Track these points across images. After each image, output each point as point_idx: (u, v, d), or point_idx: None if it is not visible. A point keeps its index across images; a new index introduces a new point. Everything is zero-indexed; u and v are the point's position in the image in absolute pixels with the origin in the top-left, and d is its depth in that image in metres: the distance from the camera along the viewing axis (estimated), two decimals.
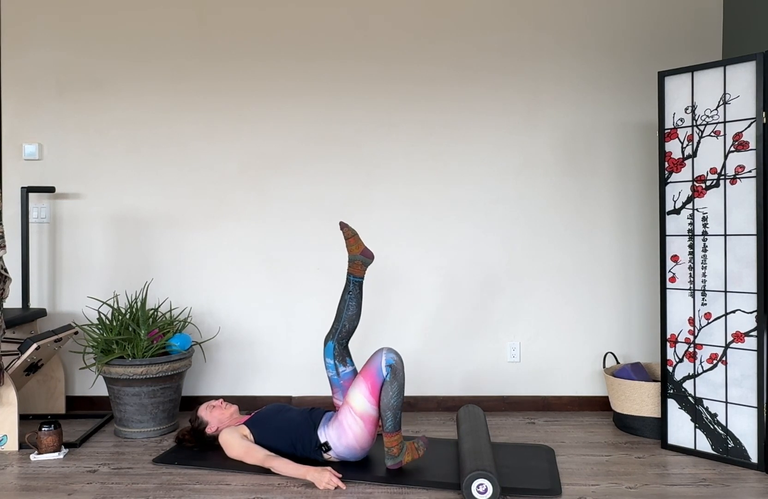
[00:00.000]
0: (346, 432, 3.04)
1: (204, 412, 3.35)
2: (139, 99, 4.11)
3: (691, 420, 3.30)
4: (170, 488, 2.94)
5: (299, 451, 3.13)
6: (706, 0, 4.03)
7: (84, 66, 4.12)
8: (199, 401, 4.13)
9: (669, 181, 3.35)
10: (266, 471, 3.07)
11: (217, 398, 3.98)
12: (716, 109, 3.19)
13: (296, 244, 4.11)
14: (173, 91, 4.11)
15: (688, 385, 3.31)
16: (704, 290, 3.25)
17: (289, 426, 3.16)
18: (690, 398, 3.30)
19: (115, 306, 4.02)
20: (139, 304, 3.81)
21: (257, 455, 3.09)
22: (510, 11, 4.05)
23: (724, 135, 3.16)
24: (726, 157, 3.16)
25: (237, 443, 3.16)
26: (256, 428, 3.21)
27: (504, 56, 4.06)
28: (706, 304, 3.25)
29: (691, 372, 3.30)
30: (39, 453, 3.31)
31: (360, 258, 3.19)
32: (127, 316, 3.70)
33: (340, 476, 2.94)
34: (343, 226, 3.22)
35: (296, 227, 4.10)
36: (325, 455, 3.11)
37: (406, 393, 4.10)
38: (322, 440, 3.09)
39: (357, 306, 3.19)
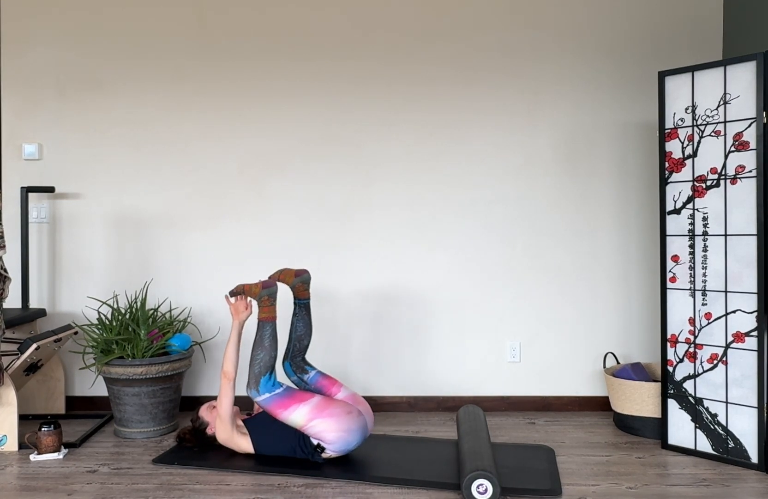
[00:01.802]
0: (322, 435, 3.07)
1: (205, 412, 3.36)
2: (139, 99, 4.11)
3: (692, 420, 3.30)
4: (170, 488, 2.93)
5: (299, 454, 3.14)
6: (706, 0, 4.03)
7: (84, 66, 4.11)
8: (199, 401, 4.13)
9: (669, 181, 3.35)
10: (266, 471, 3.07)
11: (212, 400, 3.98)
12: (716, 109, 3.18)
13: (296, 244, 4.10)
14: (173, 91, 4.11)
15: (688, 385, 3.31)
16: (704, 290, 3.25)
17: (289, 432, 3.16)
18: (690, 398, 3.30)
19: (115, 306, 4.02)
20: (138, 304, 3.80)
21: (229, 430, 3.22)
22: (510, 11, 4.05)
23: (725, 135, 3.16)
24: (726, 157, 3.16)
25: (226, 433, 3.23)
26: (256, 434, 3.22)
27: (504, 56, 4.06)
28: (706, 304, 3.24)
29: (692, 372, 3.30)
30: (39, 453, 3.31)
31: (264, 293, 3.14)
32: (127, 316, 3.70)
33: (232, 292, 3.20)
34: (231, 296, 3.21)
35: (296, 227, 4.10)
36: (324, 455, 3.11)
37: (407, 393, 4.10)
38: (315, 442, 3.10)
39: (305, 326, 3.37)
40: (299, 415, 3.05)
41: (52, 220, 4.14)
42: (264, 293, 3.14)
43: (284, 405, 3.06)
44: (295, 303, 3.39)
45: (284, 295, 4.11)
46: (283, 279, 3.36)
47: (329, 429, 3.05)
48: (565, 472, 3.09)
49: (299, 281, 3.36)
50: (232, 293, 3.19)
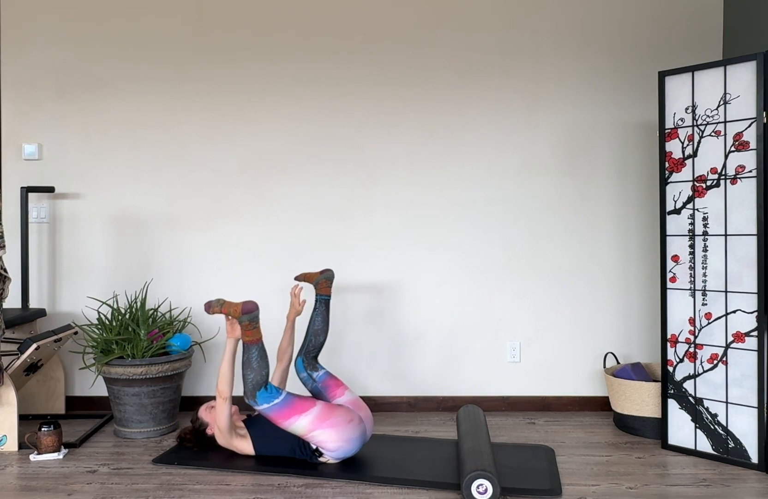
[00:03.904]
0: (323, 444, 3.07)
1: (204, 413, 3.36)
2: (139, 99, 4.11)
3: (692, 420, 3.30)
4: (170, 488, 2.93)
5: (298, 454, 3.15)
6: (705, 0, 4.03)
7: (84, 66, 4.11)
8: (199, 401, 4.13)
9: (669, 181, 3.35)
10: (266, 471, 3.07)
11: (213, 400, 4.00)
12: (717, 109, 3.18)
13: (296, 245, 4.10)
14: (173, 91, 4.11)
15: (688, 385, 3.31)
16: (705, 290, 3.25)
17: (288, 432, 3.16)
18: (690, 398, 3.30)
19: (115, 306, 4.02)
20: (138, 304, 3.80)
21: (228, 438, 3.21)
22: (510, 12, 4.05)
23: (725, 135, 3.16)
24: (726, 157, 3.16)
25: (225, 440, 3.23)
26: (256, 435, 3.22)
27: (504, 57, 4.06)
28: (706, 304, 3.24)
29: (692, 372, 3.30)
30: (39, 453, 3.31)
31: (245, 319, 3.06)
32: (127, 316, 3.70)
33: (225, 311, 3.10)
34: (208, 307, 3.12)
35: (296, 227, 4.10)
36: (321, 459, 3.11)
37: (407, 393, 4.10)
38: (313, 446, 3.10)
39: (323, 321, 3.42)
40: (300, 425, 3.04)
41: (52, 220, 4.14)
42: (244, 318, 3.05)
43: (285, 415, 3.04)
44: (316, 299, 3.47)
45: (307, 291, 4.12)
46: (306, 278, 3.54)
47: (330, 439, 3.05)
48: (565, 472, 3.09)
49: (323, 277, 3.49)
50: (210, 308, 3.10)
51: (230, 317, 3.13)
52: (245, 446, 3.21)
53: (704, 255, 3.24)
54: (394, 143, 4.08)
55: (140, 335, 3.63)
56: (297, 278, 3.63)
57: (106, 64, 4.11)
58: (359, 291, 4.09)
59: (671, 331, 3.37)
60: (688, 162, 3.29)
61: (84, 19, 4.11)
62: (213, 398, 4.12)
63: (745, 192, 3.10)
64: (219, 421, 3.17)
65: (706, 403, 3.25)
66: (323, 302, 3.46)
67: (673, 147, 3.33)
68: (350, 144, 4.08)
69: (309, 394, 3.58)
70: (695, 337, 3.28)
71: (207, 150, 4.11)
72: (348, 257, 4.09)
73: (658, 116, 3.41)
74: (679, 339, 3.34)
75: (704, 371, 3.25)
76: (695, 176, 3.26)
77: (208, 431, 3.32)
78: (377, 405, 4.10)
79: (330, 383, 3.31)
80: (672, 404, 3.36)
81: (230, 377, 3.15)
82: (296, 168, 4.10)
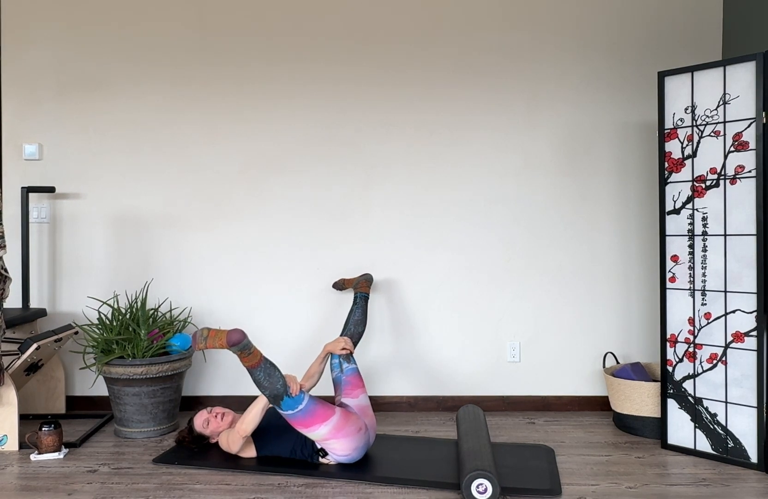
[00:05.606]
0: (334, 451, 3.08)
1: (202, 428, 3.32)
2: (140, 99, 4.12)
3: (691, 420, 3.30)
4: (170, 488, 2.94)
5: (298, 455, 3.15)
6: (705, 0, 4.03)
7: (84, 66, 4.12)
8: (199, 401, 4.13)
9: (669, 181, 3.36)
10: (266, 471, 3.07)
11: (213, 400, 4.01)
12: (716, 109, 3.19)
13: (296, 245, 4.11)
14: (173, 91, 4.11)
15: (687, 385, 3.31)
16: (704, 290, 3.25)
17: (289, 432, 3.17)
18: (690, 397, 3.31)
19: (115, 306, 4.02)
20: (139, 304, 3.81)
21: (238, 443, 3.17)
22: (510, 11, 4.05)
23: (724, 135, 3.16)
24: (726, 157, 3.16)
25: (227, 442, 3.23)
26: (258, 437, 3.23)
27: (504, 57, 4.06)
28: (706, 304, 3.25)
29: (691, 372, 3.30)
30: (39, 453, 3.31)
31: (235, 350, 2.92)
32: (127, 316, 3.70)
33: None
34: (194, 343, 2.97)
35: (296, 227, 4.10)
36: (323, 460, 3.12)
37: (407, 393, 4.10)
38: (319, 445, 3.10)
39: (362, 313, 3.62)
40: (319, 433, 3.02)
41: (52, 220, 4.14)
42: (234, 350, 2.91)
43: (306, 423, 2.99)
44: (355, 295, 3.69)
45: (331, 299, 4.12)
46: (345, 283, 3.91)
47: (342, 447, 3.06)
48: (564, 472, 3.09)
49: (362, 278, 3.77)
50: (196, 345, 2.96)
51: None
52: (248, 450, 3.22)
53: (704, 255, 3.24)
54: (393, 143, 4.08)
55: (140, 335, 3.64)
56: (335, 285, 3.93)
57: (106, 64, 4.12)
58: None
59: (671, 331, 3.37)
60: (688, 162, 3.29)
61: (84, 20, 4.11)
62: (213, 398, 4.12)
63: (745, 192, 3.10)
64: (232, 447, 3.18)
65: (705, 403, 3.25)
66: (363, 298, 3.67)
67: (673, 147, 3.34)
68: (350, 144, 4.09)
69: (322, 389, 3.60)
70: (695, 337, 3.29)
71: (207, 150, 4.11)
72: (347, 257, 4.09)
73: (658, 116, 3.41)
74: (679, 339, 3.34)
75: (704, 371, 3.26)
76: (695, 176, 3.26)
77: (211, 440, 3.32)
78: (377, 405, 4.10)
79: (353, 381, 3.31)
80: (671, 404, 3.37)
81: (257, 423, 3.12)
82: (296, 168, 4.10)
